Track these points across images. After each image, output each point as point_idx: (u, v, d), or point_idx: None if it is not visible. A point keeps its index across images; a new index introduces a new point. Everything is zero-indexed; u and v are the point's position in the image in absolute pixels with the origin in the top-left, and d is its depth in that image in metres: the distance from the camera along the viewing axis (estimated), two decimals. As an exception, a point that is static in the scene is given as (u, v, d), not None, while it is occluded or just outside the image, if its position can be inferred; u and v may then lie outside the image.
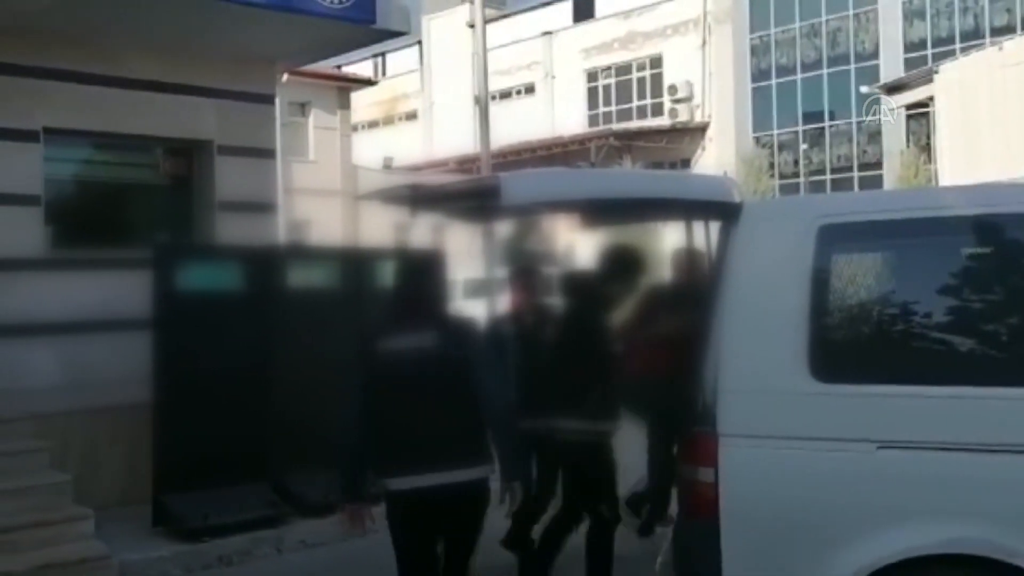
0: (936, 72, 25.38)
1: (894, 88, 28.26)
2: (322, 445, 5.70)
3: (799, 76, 33.89)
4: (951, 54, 28.11)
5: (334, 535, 6.39)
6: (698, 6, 35.54)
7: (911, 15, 31.58)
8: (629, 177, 8.42)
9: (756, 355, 3.54)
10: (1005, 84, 22.46)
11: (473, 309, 5.52)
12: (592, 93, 38.98)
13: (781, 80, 34.25)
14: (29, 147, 7.48)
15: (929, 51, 30.48)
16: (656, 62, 36.89)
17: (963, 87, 23.82)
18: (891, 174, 29.80)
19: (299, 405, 6.63)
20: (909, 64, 30.51)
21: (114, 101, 7.79)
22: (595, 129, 36.21)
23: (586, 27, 39.15)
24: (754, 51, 34.78)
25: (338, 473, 3.96)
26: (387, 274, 5.78)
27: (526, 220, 5.99)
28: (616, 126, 35.87)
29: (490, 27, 20.43)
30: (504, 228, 6.00)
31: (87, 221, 8.10)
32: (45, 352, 7.16)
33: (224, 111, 8.42)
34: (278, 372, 6.81)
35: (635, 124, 36.02)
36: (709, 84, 35.08)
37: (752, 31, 34.76)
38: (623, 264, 5.35)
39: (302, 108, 24.44)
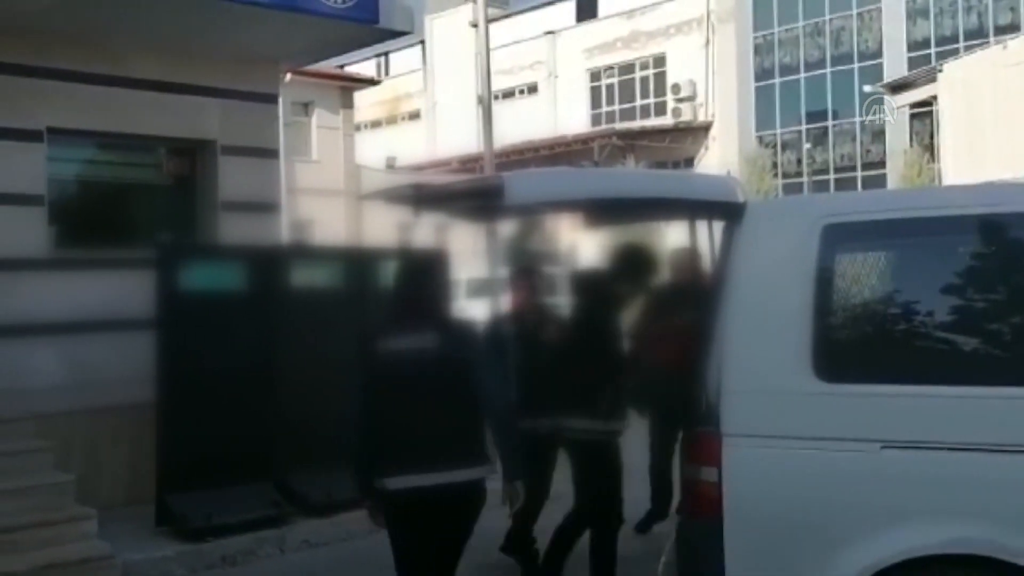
0: (940, 71, 25.33)
1: (898, 87, 28.22)
2: (325, 445, 5.73)
3: (802, 75, 33.87)
4: (955, 53, 28.07)
5: (337, 535, 6.42)
6: (701, 5, 35.52)
7: (915, 14, 31.55)
8: (632, 177, 8.41)
9: (760, 355, 3.54)
10: (1009, 83, 22.42)
11: (476, 309, 5.53)
12: (595, 92, 38.98)
13: (784, 79, 34.22)
14: (32, 147, 7.48)
15: (933, 50, 30.44)
16: (659, 61, 36.89)
17: (967, 86, 23.78)
18: (894, 173, 29.78)
19: (302, 405, 6.64)
20: (912, 63, 30.48)
21: (117, 101, 7.79)
22: (598, 129, 36.21)
23: (589, 26, 39.15)
24: (757, 50, 34.75)
25: (352, 471, 3.95)
26: (390, 274, 5.79)
27: (529, 220, 5.99)
28: (619, 125, 35.86)
29: (493, 27, 20.43)
30: (507, 228, 6.00)
31: (90, 221, 8.10)
32: (48, 352, 7.16)
33: (227, 111, 8.42)
34: (281, 372, 6.81)
35: (638, 124, 36.00)
36: (712, 83, 35.06)
37: (755, 30, 34.74)
38: (635, 263, 5.37)
39: (305, 108, 24.46)
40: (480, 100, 17.47)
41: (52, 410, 6.47)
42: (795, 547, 3.43)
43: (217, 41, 7.91)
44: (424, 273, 4.09)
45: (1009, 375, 3.30)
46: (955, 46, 29.50)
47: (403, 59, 44.63)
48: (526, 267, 5.91)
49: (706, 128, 35.08)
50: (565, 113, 38.45)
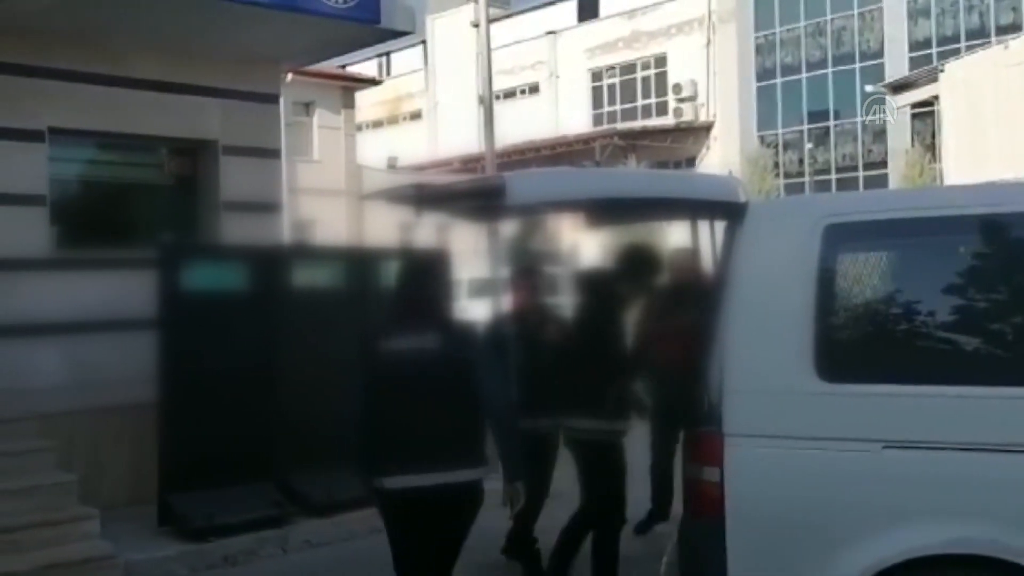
0: (941, 71, 25.33)
1: (899, 87, 28.21)
2: (327, 445, 5.72)
3: (804, 75, 33.85)
4: (956, 53, 28.06)
5: (338, 535, 6.42)
6: (702, 5, 35.51)
7: (916, 14, 31.53)
8: (634, 177, 8.42)
9: (762, 355, 3.54)
10: (1010, 83, 22.41)
11: (477, 309, 5.53)
12: (596, 92, 38.97)
13: (786, 79, 34.21)
14: (34, 147, 7.49)
15: (934, 50, 30.43)
16: (660, 61, 36.87)
17: (968, 86, 23.77)
18: (896, 173, 29.77)
19: (304, 405, 6.64)
20: (914, 63, 30.47)
21: (119, 101, 7.79)
22: (599, 128, 36.20)
23: (590, 26, 39.14)
24: (759, 50, 34.74)
25: (356, 470, 3.97)
26: (391, 274, 5.79)
27: (531, 220, 5.99)
28: (620, 125, 35.85)
29: (494, 27, 20.45)
30: (509, 228, 6.00)
31: (92, 221, 8.10)
32: (50, 352, 7.16)
33: (228, 111, 8.42)
34: (283, 372, 6.81)
35: (639, 123, 35.99)
36: (713, 83, 35.04)
37: (757, 30, 34.73)
38: (640, 263, 5.37)
39: (306, 108, 24.46)
40: (481, 100, 17.47)
41: (54, 410, 6.48)
42: (797, 547, 3.42)
43: (218, 41, 7.91)
44: (425, 273, 4.09)
45: (1011, 375, 3.30)
46: (957, 46, 29.48)
47: (404, 59, 44.63)
48: (527, 267, 5.91)
49: (707, 128, 35.07)
50: (566, 113, 38.45)
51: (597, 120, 38.16)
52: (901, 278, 3.72)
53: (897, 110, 29.08)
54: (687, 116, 34.88)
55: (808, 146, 33.25)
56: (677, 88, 35.28)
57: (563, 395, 5.19)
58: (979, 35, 29.42)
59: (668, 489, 6.22)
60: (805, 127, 33.74)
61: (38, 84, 7.39)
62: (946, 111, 24.98)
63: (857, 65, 32.52)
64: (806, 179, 32.69)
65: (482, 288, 6.95)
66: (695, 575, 3.71)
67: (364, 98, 30.73)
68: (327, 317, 6.85)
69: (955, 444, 3.27)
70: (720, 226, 4.35)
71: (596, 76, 38.93)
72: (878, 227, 3.62)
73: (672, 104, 35.50)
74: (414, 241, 7.14)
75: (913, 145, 29.34)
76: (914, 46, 31.37)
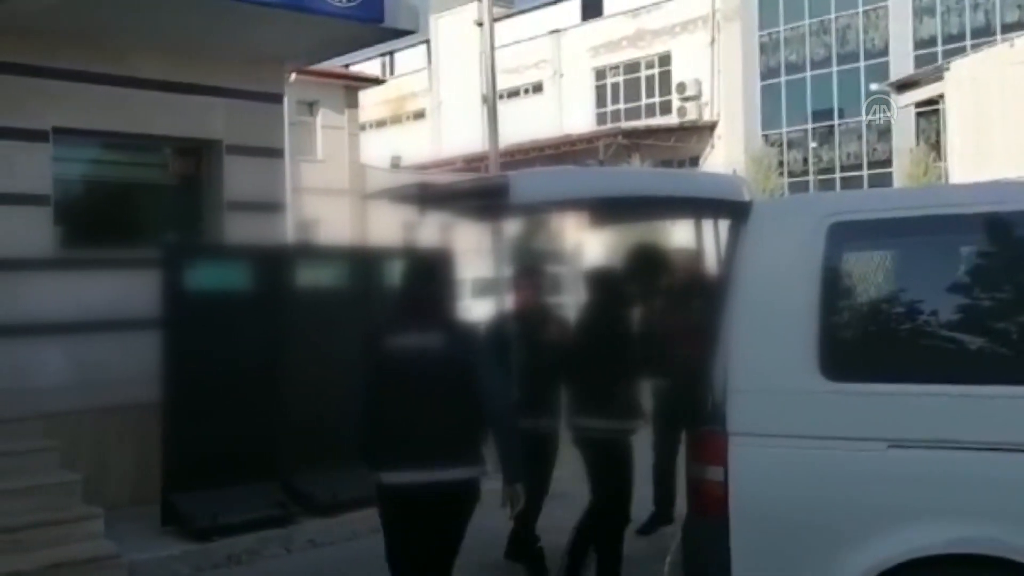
0: (946, 69, 25.26)
1: (904, 85, 28.15)
2: (330, 444, 5.73)
3: (808, 73, 33.81)
4: (961, 51, 28.00)
5: (342, 534, 6.42)
6: (707, 3, 35.48)
7: (921, 12, 31.47)
8: (638, 176, 8.41)
9: (766, 354, 3.53)
10: (1016, 81, 22.35)
11: (481, 308, 5.53)
12: (600, 91, 38.96)
13: (790, 78, 34.17)
14: (38, 147, 7.50)
15: (939, 48, 30.37)
16: (665, 60, 36.86)
17: (974, 84, 23.72)
18: (901, 172, 29.72)
19: (307, 404, 6.64)
20: (919, 61, 30.41)
21: (123, 101, 7.80)
22: (603, 127, 36.18)
23: (594, 25, 39.13)
24: (763, 48, 34.70)
25: (362, 464, 3.99)
26: (395, 274, 5.79)
27: (534, 219, 5.98)
28: (624, 124, 35.83)
29: (498, 25, 20.45)
30: (512, 227, 5.99)
31: (96, 221, 8.11)
32: (54, 352, 7.17)
33: (233, 111, 8.43)
34: (286, 371, 6.82)
35: (643, 122, 35.97)
36: (718, 82, 35.02)
37: (761, 28, 34.69)
38: (650, 263, 5.37)
39: (310, 107, 24.47)
40: (485, 99, 17.48)
41: (58, 410, 6.48)
42: (801, 546, 3.42)
43: (222, 41, 7.91)
44: (429, 273, 4.10)
45: (1015, 374, 3.28)
46: (962, 44, 29.42)
47: (408, 58, 44.67)
48: (531, 267, 5.90)
49: (711, 127, 35.05)
50: (570, 112, 38.44)
51: (601, 119, 38.14)
52: (905, 277, 3.71)
53: (902, 109, 29.02)
54: (691, 115, 34.86)
55: (812, 145, 33.21)
56: (681, 87, 35.26)
57: (572, 394, 5.19)
58: (984, 33, 29.34)
59: (670, 490, 6.21)
60: (809, 126, 33.69)
61: (42, 84, 7.40)
62: (951, 109, 24.92)
63: (862, 63, 32.47)
64: (810, 178, 32.64)
65: (486, 287, 6.95)
66: (699, 575, 3.71)
67: (368, 97, 30.76)
68: (331, 317, 6.85)
69: (960, 443, 3.26)
70: (724, 225, 4.35)
71: (600, 75, 38.92)
72: (882, 226, 3.61)
73: (676, 103, 35.48)
74: (418, 240, 7.13)
75: (918, 144, 29.29)
76: (919, 44, 31.32)
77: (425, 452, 3.78)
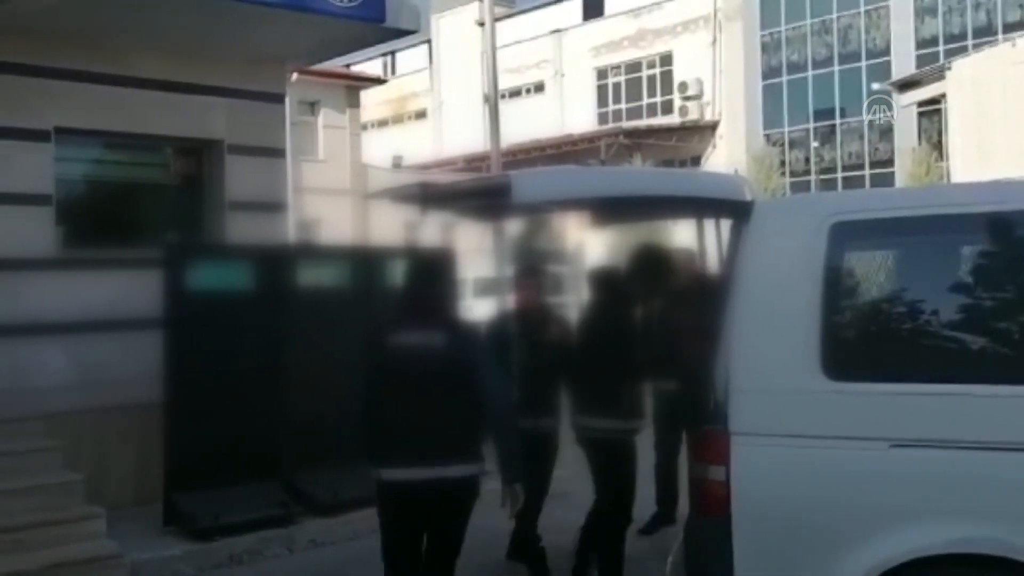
0: (948, 69, 25.26)
1: (906, 85, 28.14)
2: (332, 444, 5.73)
3: (810, 73, 33.78)
4: (963, 50, 27.99)
5: (344, 534, 6.42)
6: (708, 3, 35.46)
7: (923, 11, 31.45)
8: (640, 175, 8.41)
9: (768, 353, 3.53)
10: (1017, 81, 22.34)
11: (483, 307, 5.52)
12: (602, 91, 38.94)
13: (792, 77, 34.14)
14: (40, 147, 7.50)
15: (941, 47, 30.34)
16: (666, 60, 36.83)
17: (976, 84, 23.71)
18: (902, 171, 29.70)
19: (309, 404, 6.65)
20: (921, 61, 30.39)
21: (125, 101, 7.80)
22: (605, 127, 36.17)
23: (595, 25, 39.12)
24: (765, 48, 34.68)
25: (368, 464, 3.99)
26: (397, 273, 5.79)
27: (536, 219, 5.98)
28: (626, 124, 35.81)
29: (499, 25, 20.45)
30: (514, 227, 5.99)
31: (98, 221, 8.11)
32: (56, 351, 7.17)
33: (234, 111, 8.43)
34: (288, 371, 6.82)
35: (645, 122, 35.96)
36: (719, 81, 35.00)
37: (763, 28, 34.67)
38: (655, 263, 5.37)
39: (312, 107, 24.47)
40: (486, 99, 17.47)
41: (60, 410, 6.48)
42: (803, 546, 3.42)
43: (224, 41, 7.92)
44: (430, 272, 4.10)
45: (1017, 373, 3.28)
46: (964, 43, 29.40)
47: (409, 58, 44.66)
48: (532, 266, 5.90)
49: (713, 126, 35.03)
50: (571, 112, 38.42)
51: (602, 119, 38.13)
52: (907, 276, 3.71)
53: (903, 108, 29.00)
54: (693, 115, 34.84)
55: (814, 144, 33.18)
56: (683, 86, 35.24)
57: (576, 394, 5.19)
58: (986, 33, 29.32)
59: (672, 490, 6.21)
60: (811, 125, 33.67)
61: (44, 84, 7.40)
62: (953, 109, 24.90)
63: (864, 63, 32.45)
64: (812, 177, 32.61)
65: (487, 287, 6.95)
66: (701, 574, 3.71)
67: (369, 97, 30.75)
68: (332, 316, 6.85)
69: (963, 443, 3.25)
70: (726, 224, 4.34)
71: (601, 75, 38.90)
72: (884, 225, 3.61)
73: (678, 102, 35.46)
74: (419, 240, 7.14)
75: (920, 143, 29.26)
76: (921, 44, 31.29)
77: (425, 449, 3.80)
